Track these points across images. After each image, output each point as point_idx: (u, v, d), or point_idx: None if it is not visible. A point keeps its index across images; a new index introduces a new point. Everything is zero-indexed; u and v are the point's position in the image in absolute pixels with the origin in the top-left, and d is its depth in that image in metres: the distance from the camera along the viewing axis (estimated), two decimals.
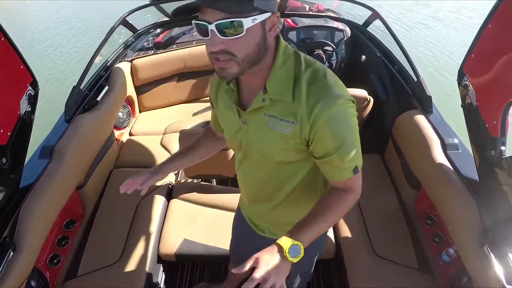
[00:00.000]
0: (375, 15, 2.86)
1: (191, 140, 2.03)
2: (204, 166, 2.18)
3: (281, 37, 0.91)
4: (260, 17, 0.78)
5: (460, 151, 1.86)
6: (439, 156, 1.83)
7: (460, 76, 1.55)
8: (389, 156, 2.41)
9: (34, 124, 1.49)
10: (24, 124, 1.41)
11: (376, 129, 2.61)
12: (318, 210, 0.94)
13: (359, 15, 5.92)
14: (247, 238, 1.36)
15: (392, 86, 2.53)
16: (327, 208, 0.94)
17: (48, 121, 2.21)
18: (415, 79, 2.20)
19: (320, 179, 1.10)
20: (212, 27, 0.75)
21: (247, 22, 0.75)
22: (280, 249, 0.82)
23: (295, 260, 0.83)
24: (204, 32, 0.78)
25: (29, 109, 1.44)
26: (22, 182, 1.56)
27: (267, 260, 0.80)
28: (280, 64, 0.88)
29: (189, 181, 2.34)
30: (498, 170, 1.33)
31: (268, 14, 0.80)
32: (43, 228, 1.65)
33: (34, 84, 1.48)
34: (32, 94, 1.47)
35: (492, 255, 1.36)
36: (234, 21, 0.74)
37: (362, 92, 2.34)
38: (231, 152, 2.09)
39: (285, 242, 0.83)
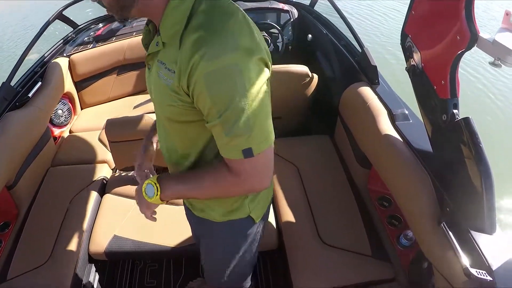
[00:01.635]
0: None
1: (118, 129, 1.95)
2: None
3: None
4: None
5: (411, 121, 1.72)
6: (386, 127, 1.70)
7: (403, 38, 1.43)
8: (339, 137, 2.29)
9: None
10: None
11: (324, 110, 2.53)
12: (196, 174, 0.91)
13: None
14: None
15: (338, 62, 2.45)
16: (205, 176, 0.87)
17: None
18: (360, 50, 2.11)
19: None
20: None
21: None
22: (140, 188, 0.94)
23: (148, 199, 0.91)
24: None
25: None
26: None
27: (137, 193, 0.97)
28: (176, 3, 0.73)
29: (123, 174, 2.26)
30: (452, 136, 1.17)
31: None
32: None
33: None
34: None
35: (450, 233, 1.19)
36: None
37: (302, 68, 2.24)
38: None
39: (148, 181, 0.91)
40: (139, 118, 2.00)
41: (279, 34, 3.05)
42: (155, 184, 0.89)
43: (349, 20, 2.33)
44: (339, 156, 2.24)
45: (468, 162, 1.10)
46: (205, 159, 0.94)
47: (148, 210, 1.00)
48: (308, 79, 2.28)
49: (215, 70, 0.68)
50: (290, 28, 3.14)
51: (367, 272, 1.61)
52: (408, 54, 1.41)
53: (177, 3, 0.73)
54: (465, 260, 1.11)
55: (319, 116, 2.64)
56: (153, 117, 2.01)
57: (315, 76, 2.31)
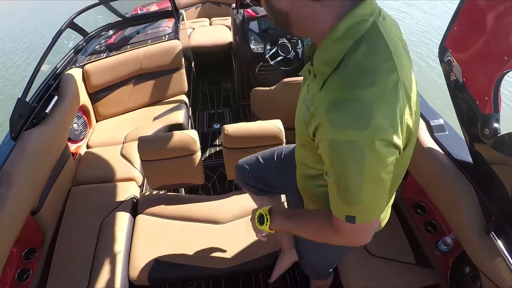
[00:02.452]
0: None
1: (150, 147, 1.86)
2: (170, 175, 2.03)
3: (359, 17, 0.68)
4: None
5: (447, 132, 1.75)
6: (427, 140, 1.72)
7: (442, 52, 1.44)
8: None
9: None
10: None
11: None
12: (305, 215, 0.98)
13: None
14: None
15: None
16: (311, 221, 0.93)
17: None
18: None
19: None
20: None
21: None
22: (254, 215, 1.10)
23: (259, 226, 1.06)
24: None
25: None
26: None
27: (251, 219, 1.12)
28: (334, 39, 0.69)
29: (154, 193, 2.17)
30: (493, 149, 1.22)
31: None
32: None
33: None
34: None
35: (499, 242, 1.24)
36: None
37: None
38: (198, 157, 1.94)
39: (261, 210, 1.07)
40: (171, 135, 1.93)
41: (299, 40, 2.98)
42: (266, 215, 1.04)
43: None
44: None
45: (511, 172, 1.17)
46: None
47: (259, 233, 1.14)
48: None
49: (340, 140, 0.66)
50: None
51: (413, 280, 1.63)
52: (447, 68, 1.43)
53: (339, 37, 0.69)
54: None
55: None
56: (186, 132, 1.94)
57: None
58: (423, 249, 1.77)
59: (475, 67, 1.28)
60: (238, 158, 1.99)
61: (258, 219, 1.06)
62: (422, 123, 1.80)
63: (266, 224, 1.03)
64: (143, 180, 2.40)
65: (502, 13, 1.11)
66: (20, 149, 1.81)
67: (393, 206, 1.91)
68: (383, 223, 1.10)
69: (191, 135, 1.92)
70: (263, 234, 1.13)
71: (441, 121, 1.78)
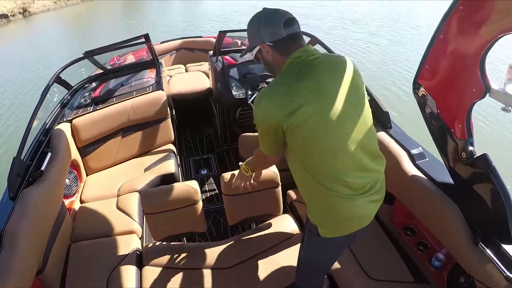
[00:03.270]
0: (315, 40, 2.88)
1: (154, 200, 1.93)
2: (173, 225, 2.10)
3: (293, 55, 1.25)
4: (255, 50, 1.32)
5: (427, 159, 1.91)
6: (410, 168, 1.87)
7: (415, 87, 1.61)
8: None
9: None
10: None
11: None
12: (255, 155, 1.59)
13: None
14: None
15: None
16: (258, 155, 1.56)
17: None
18: (368, 98, 2.30)
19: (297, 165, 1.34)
20: None
21: (247, 55, 1.59)
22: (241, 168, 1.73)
23: (245, 173, 1.72)
24: None
25: None
26: None
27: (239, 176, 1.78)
28: (278, 75, 1.29)
29: (157, 243, 2.22)
30: (472, 169, 1.40)
31: (257, 46, 1.30)
32: None
33: None
34: None
35: (488, 250, 1.41)
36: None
37: None
38: (200, 205, 2.04)
39: (242, 164, 1.72)
40: (172, 187, 2.01)
41: None
42: (245, 165, 1.70)
43: None
44: None
45: (489, 188, 1.34)
46: None
47: (245, 180, 1.76)
48: None
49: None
50: None
51: None
52: (422, 101, 1.61)
53: (280, 74, 1.29)
54: (503, 267, 1.35)
55: None
56: (187, 183, 2.04)
57: None
58: (418, 267, 1.90)
59: (448, 100, 1.45)
60: (238, 203, 2.08)
61: (243, 170, 1.71)
62: (403, 153, 1.96)
63: (248, 170, 1.69)
64: (143, 232, 2.42)
65: (469, 49, 1.29)
66: (21, 209, 1.80)
67: (385, 230, 2.09)
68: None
69: (193, 186, 2.01)
70: (248, 180, 1.76)
71: (420, 150, 1.97)
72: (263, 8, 1.29)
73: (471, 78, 1.30)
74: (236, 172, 1.85)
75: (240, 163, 1.73)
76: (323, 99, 1.18)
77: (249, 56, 3.24)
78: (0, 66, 9.30)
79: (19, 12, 16.61)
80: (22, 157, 2.07)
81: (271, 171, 2.03)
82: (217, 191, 3.21)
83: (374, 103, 2.22)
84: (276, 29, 1.23)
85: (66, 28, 14.84)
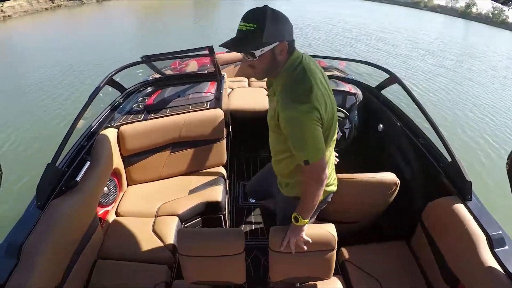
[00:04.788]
0: (394, 79, 2.59)
1: (191, 243, 1.71)
2: (209, 272, 1.82)
3: (294, 56, 1.41)
4: (268, 48, 1.31)
5: (507, 247, 1.66)
6: (487, 256, 1.62)
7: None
8: (418, 245, 2.14)
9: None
10: None
11: (401, 213, 2.32)
12: (302, 197, 1.55)
13: (365, 73, 5.76)
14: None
15: (418, 164, 2.27)
16: (304, 196, 1.55)
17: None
18: (449, 159, 1.96)
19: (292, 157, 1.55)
20: (243, 54, 1.38)
21: (257, 53, 1.32)
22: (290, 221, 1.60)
23: (296, 223, 1.58)
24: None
25: None
26: None
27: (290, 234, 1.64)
28: (283, 72, 1.41)
29: (187, 282, 1.98)
30: None
31: (275, 44, 1.32)
32: None
33: None
34: None
35: None
36: (249, 53, 1.33)
37: (391, 177, 2.06)
38: (242, 256, 1.77)
39: (292, 216, 1.59)
40: (215, 232, 1.78)
41: (346, 119, 2.84)
42: (298, 215, 1.56)
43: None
44: (418, 266, 2.10)
45: None
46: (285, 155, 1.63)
47: (298, 237, 1.63)
48: (394, 187, 2.10)
49: (289, 118, 1.39)
50: (356, 112, 2.94)
51: None
52: None
53: (284, 72, 1.43)
54: None
55: (394, 219, 2.44)
56: (231, 231, 1.79)
57: (399, 182, 2.12)
58: None
59: None
60: (286, 261, 1.81)
61: (294, 220, 1.58)
62: (481, 236, 1.70)
63: (302, 219, 1.56)
64: (175, 263, 2.20)
65: None
66: (47, 221, 1.66)
67: None
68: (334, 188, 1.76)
69: (238, 234, 1.76)
70: (300, 236, 1.62)
71: (501, 234, 1.70)
72: (265, 6, 1.33)
73: None
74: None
75: (294, 215, 1.59)
76: (329, 94, 1.49)
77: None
78: (66, 49, 9.66)
79: None
80: (58, 163, 1.92)
81: (329, 233, 1.73)
82: (263, 225, 2.91)
83: (455, 168, 1.92)
84: (291, 28, 1.36)
85: (136, 19, 15.44)
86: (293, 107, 1.34)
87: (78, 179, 1.94)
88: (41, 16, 17.40)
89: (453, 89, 8.21)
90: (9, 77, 8.25)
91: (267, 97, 1.59)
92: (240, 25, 1.31)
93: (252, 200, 3.17)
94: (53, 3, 19.37)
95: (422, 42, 12.62)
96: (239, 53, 1.46)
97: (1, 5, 14.38)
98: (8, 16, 17.38)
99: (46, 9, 19.05)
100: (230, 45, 1.35)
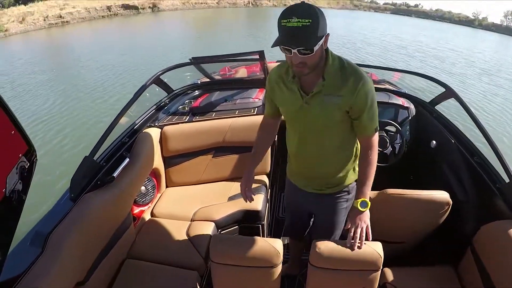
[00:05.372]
0: (450, 93, 2.41)
1: (225, 250, 1.65)
2: (241, 283, 1.69)
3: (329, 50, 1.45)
4: (321, 41, 1.32)
5: None
6: None
7: None
8: (466, 271, 1.93)
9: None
10: (10, 207, 1.10)
11: (450, 235, 2.12)
12: (365, 173, 1.58)
13: (418, 89, 5.49)
14: (299, 193, 1.84)
15: (472, 183, 2.07)
16: (368, 169, 1.58)
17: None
18: (507, 179, 1.77)
19: (349, 145, 1.64)
20: (295, 51, 1.30)
21: (316, 47, 1.31)
22: (356, 207, 1.60)
23: (365, 210, 1.59)
24: (288, 51, 1.32)
25: (20, 186, 1.14)
26: (4, 275, 1.20)
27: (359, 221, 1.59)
28: (331, 63, 1.44)
29: None
30: None
31: (324, 36, 1.34)
32: None
33: (30, 154, 1.19)
34: (26, 166, 1.16)
35: None
36: (310, 48, 1.30)
37: (443, 195, 1.89)
38: (278, 269, 1.63)
39: (357, 203, 1.59)
40: (251, 241, 1.63)
41: (397, 134, 2.64)
42: (365, 200, 1.59)
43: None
44: None
45: None
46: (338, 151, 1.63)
47: (366, 221, 1.60)
48: (446, 207, 1.92)
49: (369, 89, 1.45)
50: (408, 127, 2.74)
51: None
52: None
53: (331, 62, 1.45)
54: None
55: (443, 242, 2.24)
56: (270, 242, 1.64)
57: (451, 202, 1.93)
58: None
59: None
60: (325, 279, 1.66)
61: (361, 206, 1.58)
62: None
63: (368, 204, 1.58)
64: (206, 271, 2.09)
65: None
66: (77, 215, 1.61)
67: None
68: None
69: (276, 246, 1.61)
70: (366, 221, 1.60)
71: None
72: (302, 1, 1.32)
73: None
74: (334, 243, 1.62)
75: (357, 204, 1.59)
76: None
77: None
78: (121, 53, 10.07)
79: (149, 7, 18.45)
80: (96, 158, 1.88)
81: (375, 252, 1.56)
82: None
83: None
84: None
85: (188, 29, 15.93)
86: (368, 79, 1.43)
87: (115, 174, 1.90)
88: (98, 23, 18.43)
89: (509, 109, 7.64)
90: (66, 76, 8.70)
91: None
92: (292, 22, 1.25)
93: None
94: (110, 11, 20.58)
95: (478, 60, 11.96)
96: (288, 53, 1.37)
97: None
98: (67, 21, 18.62)
99: (103, 16, 20.25)
100: (290, 42, 1.28)
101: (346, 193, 1.75)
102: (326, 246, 1.58)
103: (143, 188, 2.42)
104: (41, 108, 6.80)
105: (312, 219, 1.98)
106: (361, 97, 1.43)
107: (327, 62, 1.43)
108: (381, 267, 1.58)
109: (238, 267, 1.64)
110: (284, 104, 1.60)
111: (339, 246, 1.59)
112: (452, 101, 2.47)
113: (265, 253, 1.60)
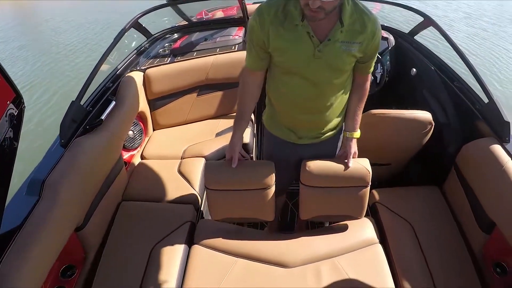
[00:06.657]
0: (428, 22, 2.42)
1: (219, 175, 1.66)
2: (237, 208, 1.75)
3: None
4: None
5: None
6: None
7: None
8: (451, 189, 2.03)
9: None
10: (3, 154, 1.12)
11: (433, 157, 2.21)
12: (360, 107, 1.63)
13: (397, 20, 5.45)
14: (289, 149, 1.71)
15: (453, 106, 2.13)
16: (362, 103, 1.63)
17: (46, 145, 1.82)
18: (486, 100, 1.82)
19: (348, 86, 1.57)
20: None
21: None
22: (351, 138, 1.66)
23: (358, 136, 1.67)
24: None
25: (11, 134, 1.15)
26: (3, 227, 1.22)
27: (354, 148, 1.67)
28: (346, 5, 1.29)
29: (214, 221, 1.92)
30: None
31: None
32: (32, 285, 1.28)
33: (18, 101, 1.19)
34: (15, 113, 1.18)
35: None
36: None
37: (425, 115, 1.93)
38: (271, 191, 1.69)
39: (353, 134, 1.66)
40: (242, 164, 1.68)
41: (378, 64, 2.68)
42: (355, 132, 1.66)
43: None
44: (451, 211, 1.99)
45: None
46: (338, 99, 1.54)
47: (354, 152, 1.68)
48: (429, 127, 1.98)
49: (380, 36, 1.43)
50: (387, 57, 2.77)
51: None
52: None
53: (347, 4, 1.30)
54: None
55: (427, 164, 2.33)
56: (262, 163, 1.72)
57: (433, 124, 2.01)
58: None
59: None
60: (316, 196, 1.72)
61: (355, 136, 1.66)
62: None
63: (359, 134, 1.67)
64: (201, 203, 2.16)
65: None
66: (70, 159, 1.63)
67: (470, 255, 1.81)
68: None
69: (267, 167, 1.67)
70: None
71: None
72: None
73: None
74: (324, 162, 1.67)
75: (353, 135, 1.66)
76: None
77: None
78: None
79: None
80: (82, 103, 1.88)
81: (364, 168, 1.64)
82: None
83: (492, 109, 1.79)
84: None
85: None
86: (377, 18, 1.38)
87: (103, 117, 1.91)
88: None
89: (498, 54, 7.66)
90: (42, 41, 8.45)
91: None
92: None
93: None
94: None
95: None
96: None
97: None
98: None
99: None
100: None
101: (340, 131, 1.73)
102: (315, 165, 1.65)
103: (130, 132, 2.44)
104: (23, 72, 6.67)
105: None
106: (376, 41, 1.38)
107: (344, 4, 1.27)
108: (370, 186, 1.66)
109: (233, 192, 1.69)
110: (288, 52, 1.38)
111: (329, 164, 1.66)
112: (430, 31, 2.48)
113: (258, 175, 1.66)
